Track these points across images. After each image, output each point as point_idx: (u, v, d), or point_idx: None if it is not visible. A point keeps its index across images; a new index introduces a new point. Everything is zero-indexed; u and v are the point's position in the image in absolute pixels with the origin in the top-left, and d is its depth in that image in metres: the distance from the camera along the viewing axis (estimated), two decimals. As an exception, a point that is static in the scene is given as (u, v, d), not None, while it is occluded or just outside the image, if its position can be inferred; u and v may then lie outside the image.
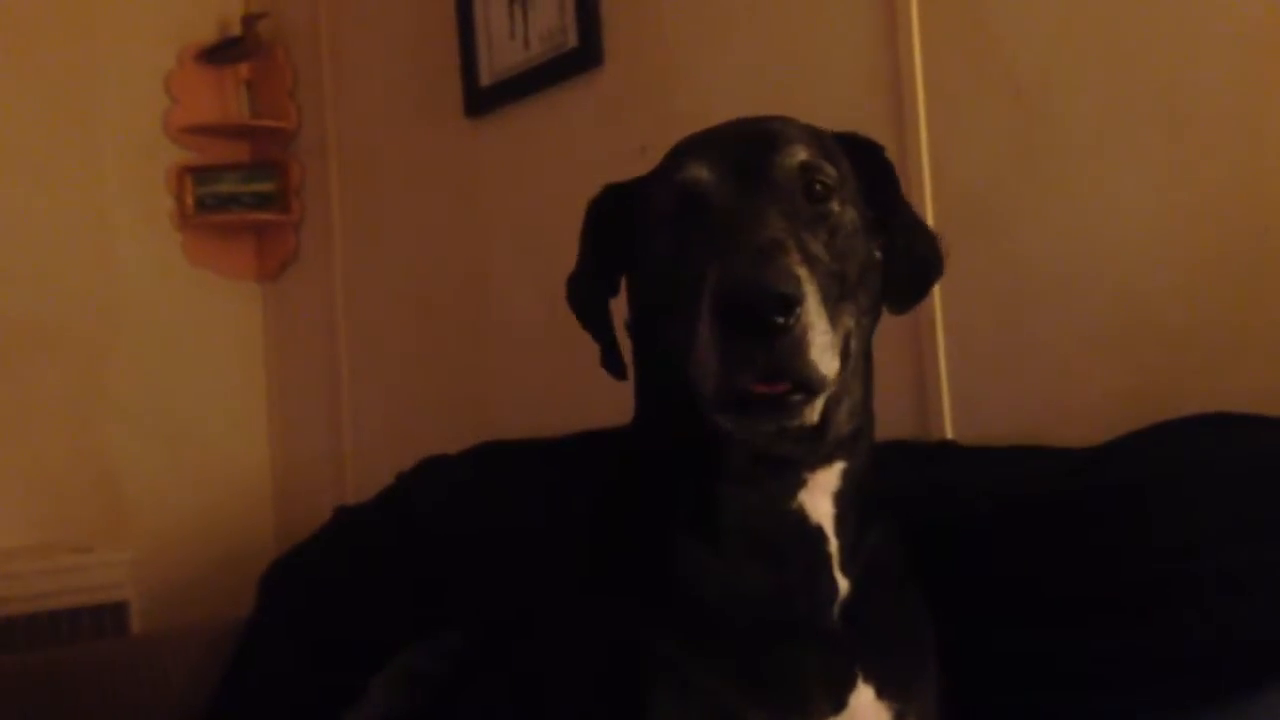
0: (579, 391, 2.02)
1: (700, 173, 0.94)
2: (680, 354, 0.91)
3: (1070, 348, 1.47)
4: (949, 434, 1.58)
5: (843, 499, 0.98)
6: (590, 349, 1.06)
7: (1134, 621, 1.07)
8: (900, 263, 1.01)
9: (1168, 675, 1.02)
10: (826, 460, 0.97)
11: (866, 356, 1.00)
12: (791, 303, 0.81)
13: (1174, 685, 1.02)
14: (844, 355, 0.89)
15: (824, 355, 0.83)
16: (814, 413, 0.88)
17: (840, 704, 0.96)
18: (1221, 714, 1.00)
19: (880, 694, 0.98)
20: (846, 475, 0.98)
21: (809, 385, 0.84)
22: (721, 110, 1.04)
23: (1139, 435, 1.25)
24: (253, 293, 3.07)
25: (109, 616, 2.43)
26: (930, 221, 1.60)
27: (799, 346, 0.82)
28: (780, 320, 0.81)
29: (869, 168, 1.03)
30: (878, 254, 1.00)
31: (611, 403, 1.11)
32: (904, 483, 1.19)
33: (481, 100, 2.38)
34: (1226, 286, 1.34)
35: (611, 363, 1.06)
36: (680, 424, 0.97)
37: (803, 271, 0.84)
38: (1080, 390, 1.45)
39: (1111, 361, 1.43)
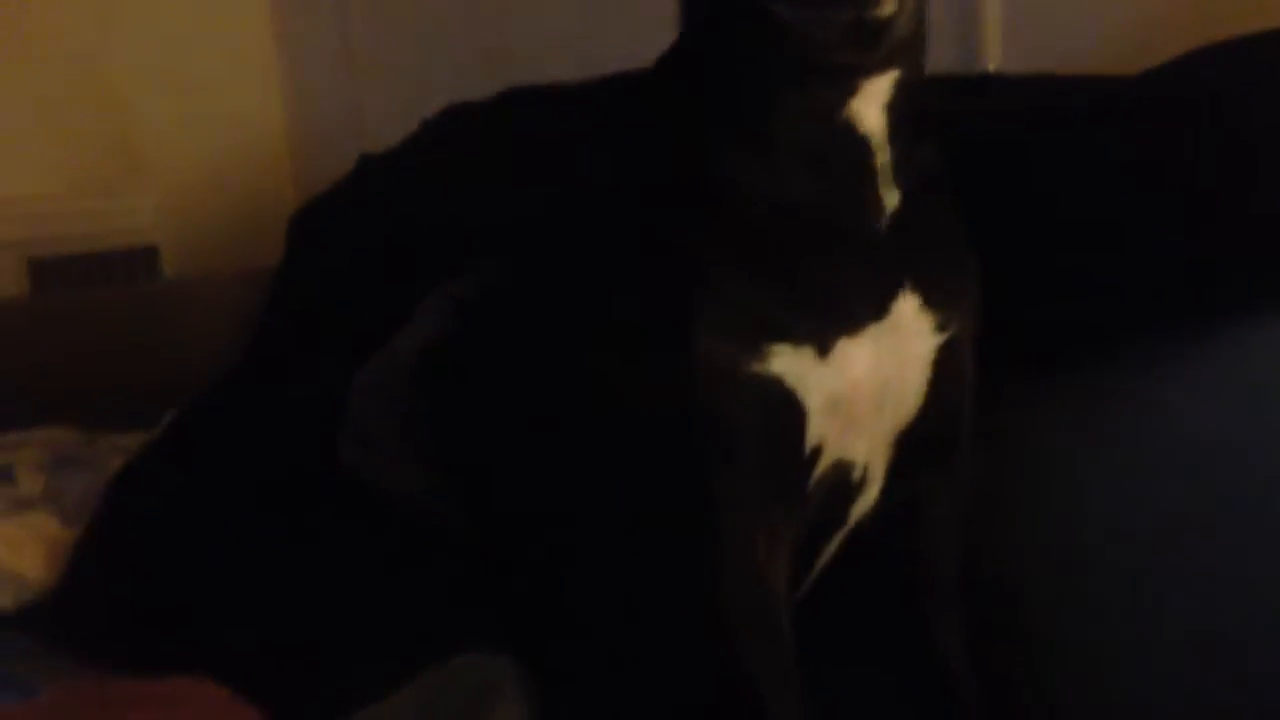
0: (611, 34, 1.95)
1: None
2: None
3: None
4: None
5: (895, 109, 0.96)
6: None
7: (1170, 230, 1.07)
8: None
9: (1198, 283, 1.04)
10: (882, 67, 0.94)
11: None
12: None
13: (1204, 292, 1.03)
14: None
15: None
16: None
17: (883, 311, 0.98)
18: (1236, 328, 1.03)
19: (925, 304, 1.00)
20: (900, 85, 0.96)
21: None
22: None
23: (1189, 57, 1.20)
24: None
25: (140, 260, 2.46)
26: None
27: None
28: None
29: None
30: None
31: (646, 45, 1.06)
32: (936, 111, 1.17)
33: None
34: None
35: None
36: (731, 28, 0.94)
37: None
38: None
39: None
